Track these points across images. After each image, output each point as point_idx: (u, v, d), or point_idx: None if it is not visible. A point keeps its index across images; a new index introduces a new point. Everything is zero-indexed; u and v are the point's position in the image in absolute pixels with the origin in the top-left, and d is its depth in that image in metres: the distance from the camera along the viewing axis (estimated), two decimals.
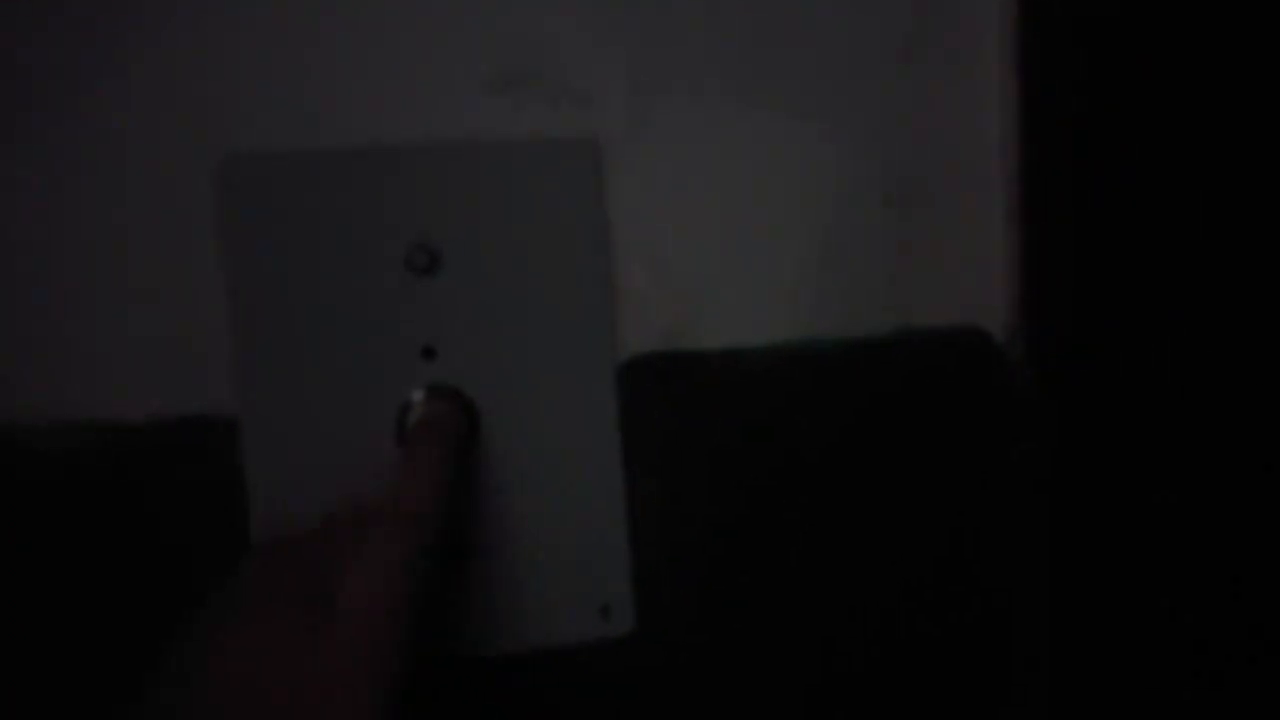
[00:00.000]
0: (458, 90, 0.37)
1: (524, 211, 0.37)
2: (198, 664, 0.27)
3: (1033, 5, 0.39)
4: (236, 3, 0.35)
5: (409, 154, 0.36)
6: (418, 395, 0.36)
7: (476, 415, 0.37)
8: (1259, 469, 0.41)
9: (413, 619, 0.29)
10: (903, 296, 0.40)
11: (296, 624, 0.28)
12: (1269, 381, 0.41)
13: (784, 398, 0.40)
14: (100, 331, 0.35)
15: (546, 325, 0.37)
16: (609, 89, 0.38)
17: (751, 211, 0.39)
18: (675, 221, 0.39)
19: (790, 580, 0.40)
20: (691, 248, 0.39)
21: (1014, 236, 0.40)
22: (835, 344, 0.40)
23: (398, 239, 0.36)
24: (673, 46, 0.38)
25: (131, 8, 0.35)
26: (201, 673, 0.27)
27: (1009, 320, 0.41)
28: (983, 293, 0.41)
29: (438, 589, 0.35)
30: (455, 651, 0.38)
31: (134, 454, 0.35)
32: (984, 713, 0.42)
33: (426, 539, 0.31)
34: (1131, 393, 0.41)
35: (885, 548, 0.41)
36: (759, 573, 0.40)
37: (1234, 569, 0.42)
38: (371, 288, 0.36)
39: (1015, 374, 0.41)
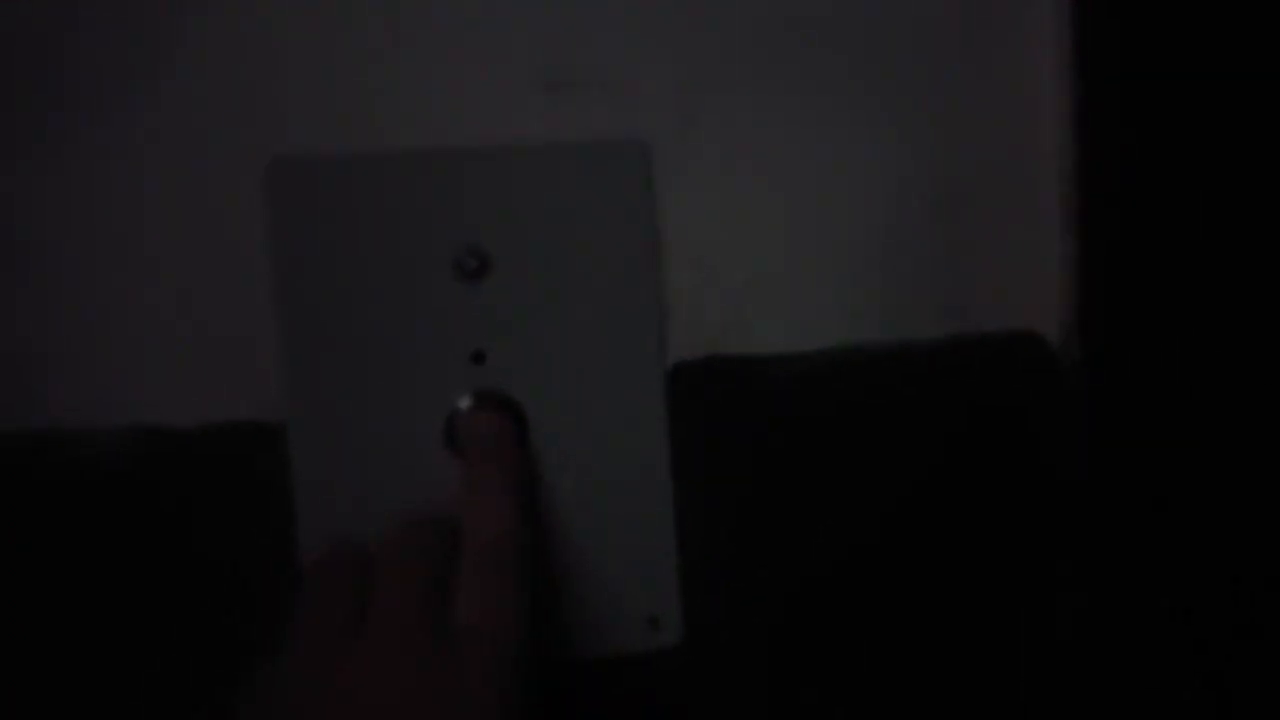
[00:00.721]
0: (507, 93, 0.36)
1: (574, 215, 0.36)
2: (306, 686, 0.27)
3: (1088, 5, 0.38)
4: (284, 6, 0.35)
5: (458, 157, 0.36)
6: (466, 401, 0.36)
7: (525, 421, 0.36)
8: None
9: (528, 643, 0.29)
10: (956, 300, 0.40)
11: (408, 648, 0.28)
12: None
13: (835, 403, 0.39)
14: (149, 336, 0.35)
15: (595, 330, 0.37)
16: (658, 90, 0.37)
17: (802, 214, 0.39)
18: (725, 224, 0.38)
19: (840, 590, 0.40)
20: (741, 250, 0.38)
21: (1069, 241, 0.39)
22: (887, 348, 0.39)
23: (447, 243, 0.36)
24: (723, 47, 0.37)
25: (180, 10, 0.34)
26: (312, 695, 0.26)
27: (1064, 325, 0.40)
28: (1037, 297, 0.40)
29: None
30: None
31: (183, 459, 0.35)
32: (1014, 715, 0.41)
33: (529, 566, 0.31)
34: (1187, 399, 0.40)
35: (937, 554, 0.40)
36: (809, 582, 0.39)
37: None
38: (420, 292, 0.36)
39: (1070, 379, 0.40)
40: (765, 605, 0.39)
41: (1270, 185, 0.40)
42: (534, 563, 0.35)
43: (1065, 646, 0.41)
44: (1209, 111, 0.39)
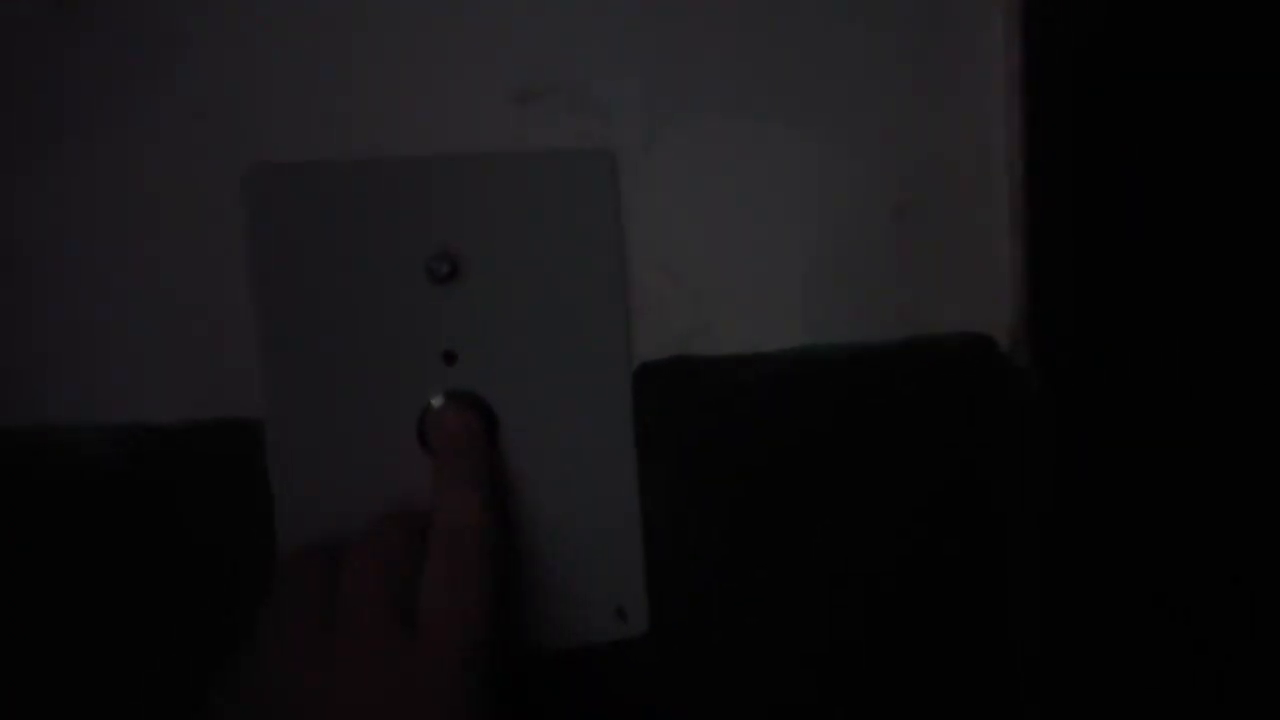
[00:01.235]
0: (479, 103, 0.37)
1: (542, 221, 0.38)
2: (270, 681, 0.27)
3: (1035, 21, 0.40)
4: (261, 16, 0.36)
5: (430, 165, 0.37)
6: (438, 399, 0.37)
7: (495, 420, 0.38)
8: (1264, 474, 0.42)
9: (495, 640, 0.30)
10: (910, 304, 0.41)
11: (372, 644, 0.28)
12: (1274, 386, 0.42)
13: (795, 402, 0.41)
14: (130, 335, 0.36)
15: (563, 331, 0.38)
16: (626, 102, 0.39)
17: (764, 221, 0.40)
18: (689, 231, 0.40)
19: (801, 583, 0.41)
20: (705, 256, 0.40)
21: (1018, 246, 0.41)
22: (844, 350, 0.41)
23: (419, 247, 0.37)
24: (688, 61, 0.39)
25: (160, 20, 0.35)
26: (280, 692, 0.27)
27: (1013, 327, 0.42)
28: (988, 301, 0.42)
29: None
30: None
31: (163, 456, 0.36)
32: (989, 712, 0.43)
33: (497, 563, 0.32)
34: (1135, 398, 0.42)
35: (893, 550, 0.42)
36: (771, 575, 0.41)
37: (1237, 573, 0.43)
38: (393, 295, 0.37)
39: (1019, 380, 0.42)
40: (728, 597, 0.41)
41: (1216, 188, 0.42)
42: (503, 557, 0.36)
43: (1018, 646, 0.43)
44: (1156, 119, 0.41)
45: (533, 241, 0.38)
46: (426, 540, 0.32)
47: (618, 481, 0.39)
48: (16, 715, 0.35)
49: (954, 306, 0.42)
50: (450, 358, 0.37)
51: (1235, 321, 0.42)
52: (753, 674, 0.41)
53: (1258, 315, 0.42)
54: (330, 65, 0.36)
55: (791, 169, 0.40)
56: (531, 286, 0.38)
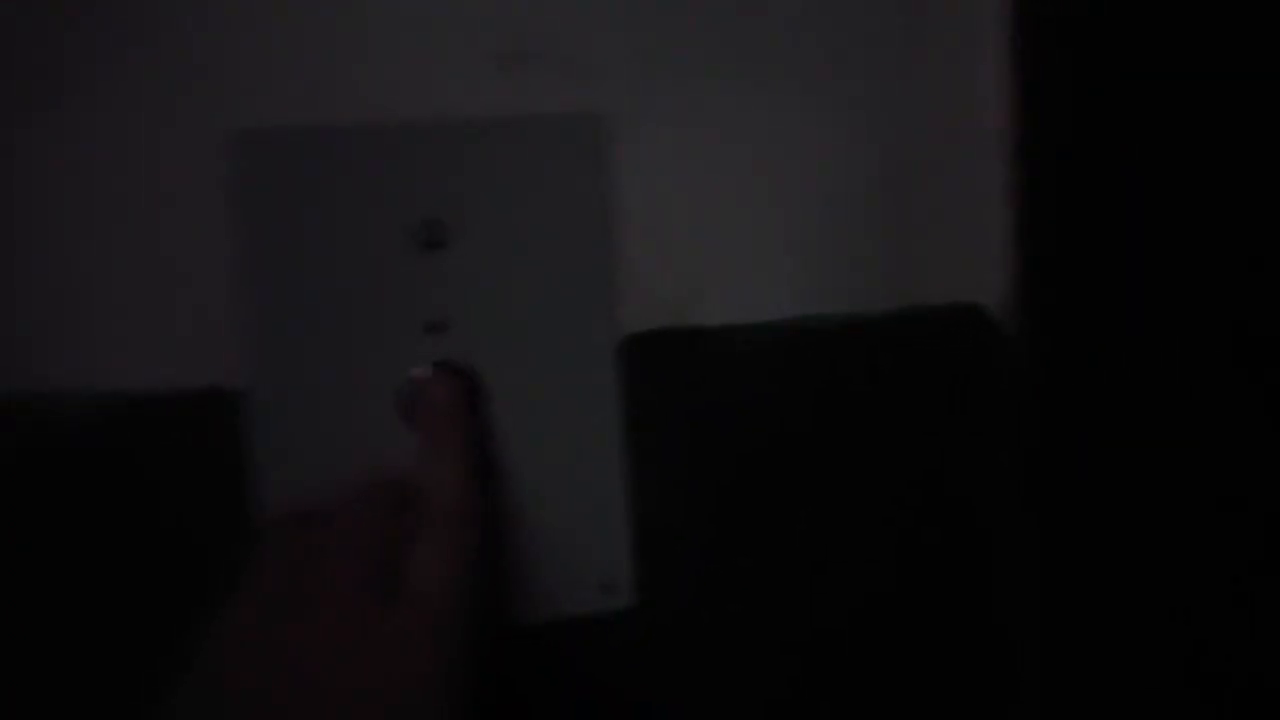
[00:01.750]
0: (465, 67, 0.37)
1: (529, 187, 0.37)
2: (250, 650, 0.27)
3: None
4: None
5: (416, 130, 0.37)
6: (424, 369, 0.37)
7: (481, 389, 0.37)
8: (1253, 445, 0.42)
9: (476, 609, 0.30)
10: (901, 274, 0.41)
11: (353, 610, 0.28)
12: (1265, 359, 0.42)
13: (784, 374, 0.40)
14: (112, 303, 0.36)
15: (550, 300, 0.38)
16: (613, 67, 0.38)
17: (752, 190, 0.40)
18: (677, 199, 0.39)
19: (788, 554, 0.41)
20: (693, 225, 0.39)
21: (1009, 215, 0.41)
22: (834, 321, 0.41)
23: (405, 214, 0.36)
24: (677, 25, 0.38)
25: None
26: (258, 657, 0.27)
27: (1004, 297, 0.41)
28: (979, 270, 0.41)
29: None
30: None
31: (144, 424, 0.35)
32: (980, 690, 0.43)
33: (479, 533, 0.32)
34: (1126, 368, 0.41)
35: (882, 521, 0.42)
36: (757, 547, 0.41)
37: (1225, 546, 0.43)
38: (379, 262, 0.36)
39: (1010, 349, 0.41)
40: (715, 569, 0.40)
41: (1211, 156, 0.41)
42: (487, 528, 0.36)
43: (1004, 617, 0.43)
44: (1151, 85, 0.40)
45: (520, 208, 0.37)
46: (409, 509, 0.32)
47: (603, 452, 0.39)
48: None
49: (944, 276, 0.41)
50: (437, 327, 0.37)
51: (1229, 293, 0.42)
52: (739, 647, 0.41)
53: (1251, 286, 0.42)
54: (316, 30, 0.36)
55: (781, 138, 0.40)
56: (518, 254, 0.37)
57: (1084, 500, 0.42)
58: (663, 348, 0.39)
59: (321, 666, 0.27)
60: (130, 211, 0.35)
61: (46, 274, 0.35)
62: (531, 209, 0.37)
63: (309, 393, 0.36)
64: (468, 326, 0.37)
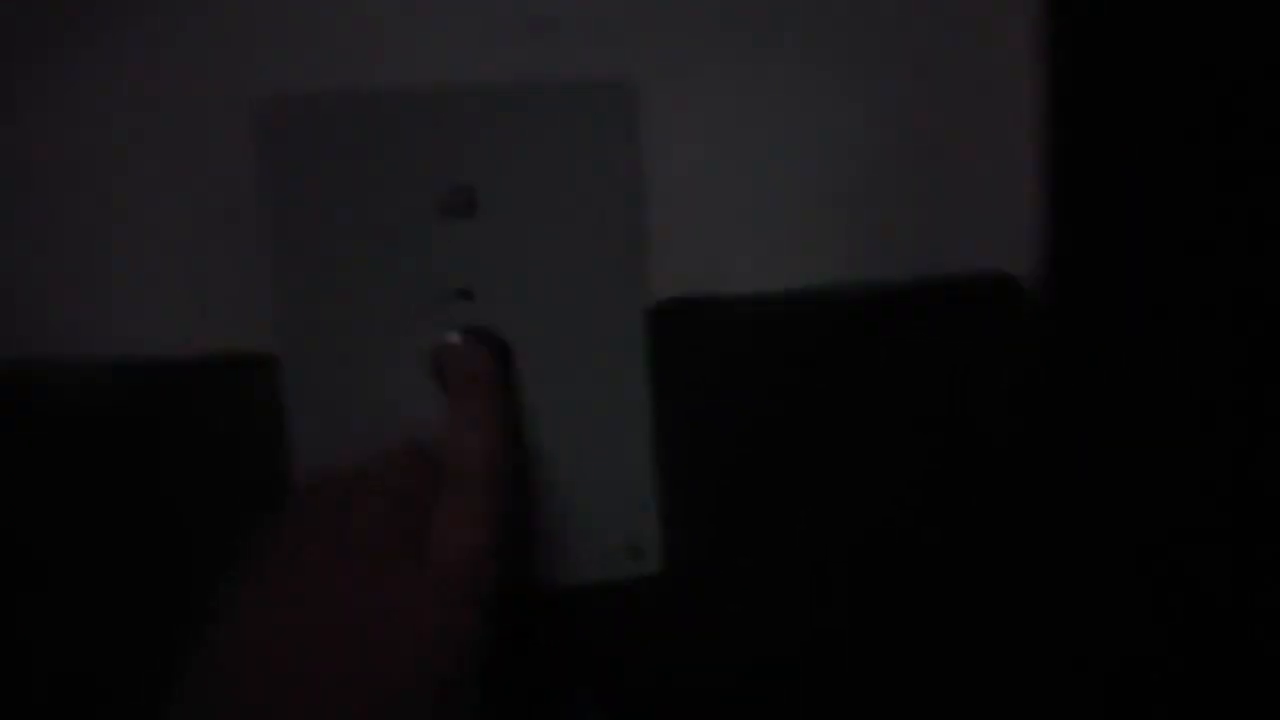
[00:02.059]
0: (492, 32, 0.37)
1: (558, 154, 0.37)
2: (278, 610, 0.28)
3: None
4: None
5: (445, 97, 0.37)
6: (454, 335, 0.37)
7: (510, 356, 0.38)
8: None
9: (502, 572, 0.30)
10: (930, 242, 0.41)
11: (382, 570, 0.29)
12: None
13: (810, 342, 0.40)
14: (147, 269, 0.36)
15: (579, 267, 0.38)
16: (639, 33, 0.38)
17: (779, 157, 0.39)
18: (705, 166, 0.39)
19: (815, 523, 0.41)
20: (719, 193, 0.39)
21: (1040, 183, 0.40)
22: (861, 289, 0.40)
23: (434, 181, 0.36)
24: None
25: None
26: (285, 616, 0.28)
27: (1035, 266, 0.41)
28: (1010, 238, 0.41)
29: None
30: None
31: (178, 390, 0.36)
32: (995, 653, 0.43)
33: (506, 499, 0.32)
34: (1158, 339, 0.41)
35: (909, 490, 0.42)
36: (783, 513, 0.41)
37: (1249, 523, 0.43)
38: (408, 229, 0.36)
39: (1040, 320, 0.41)
40: (741, 535, 0.41)
41: (1244, 129, 0.41)
42: (515, 493, 0.36)
43: (1033, 587, 0.43)
44: (1183, 55, 0.40)
45: (549, 175, 0.37)
46: (438, 474, 0.32)
47: (631, 419, 0.39)
48: (18, 652, 0.36)
49: (974, 244, 0.41)
50: (466, 294, 0.37)
51: (1269, 265, 0.41)
52: (764, 612, 0.41)
53: None
54: None
55: (807, 102, 0.39)
56: (548, 221, 0.37)
57: (1112, 475, 0.42)
58: (689, 315, 0.39)
59: (348, 629, 0.27)
60: (160, 177, 0.36)
61: (76, 240, 0.35)
62: (559, 176, 0.37)
63: (340, 358, 0.36)
64: (496, 293, 0.37)
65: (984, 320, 0.41)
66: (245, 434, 0.36)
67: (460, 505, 0.31)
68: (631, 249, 0.38)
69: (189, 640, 0.27)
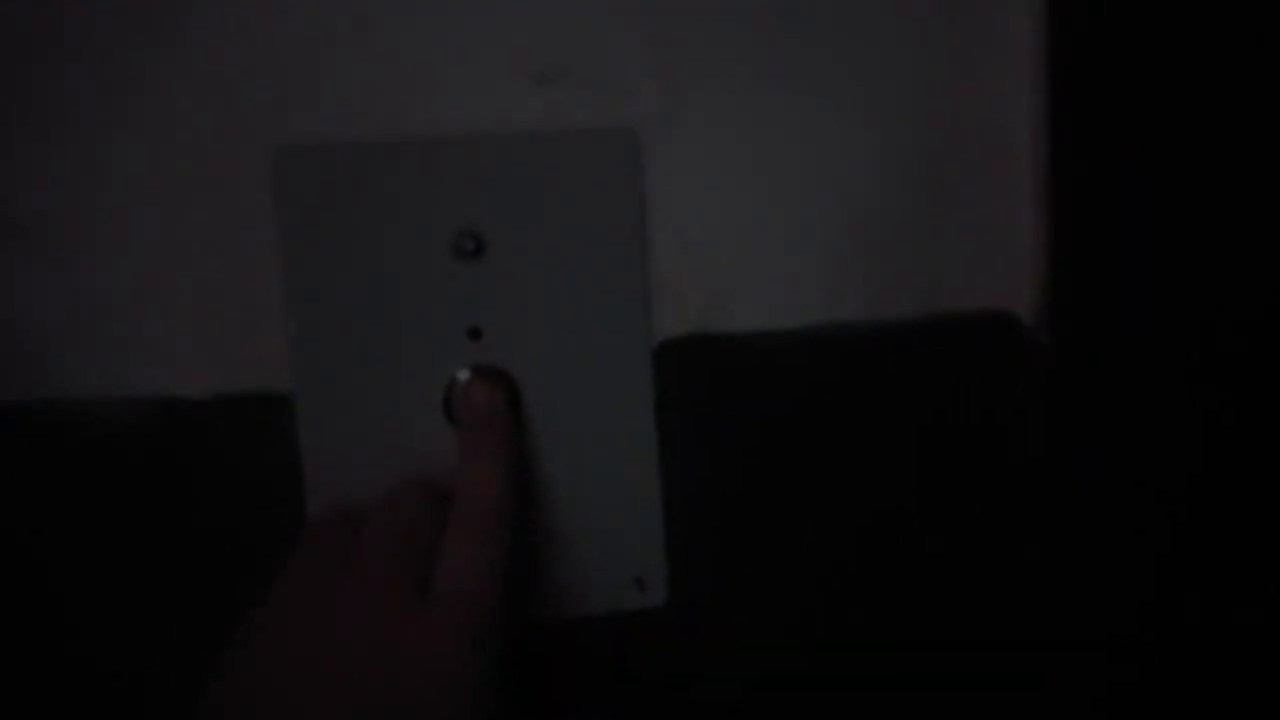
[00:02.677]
0: (500, 84, 0.38)
1: (564, 198, 0.38)
2: (283, 642, 0.28)
3: None
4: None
5: (455, 145, 0.38)
6: (464, 374, 0.38)
7: (519, 394, 0.39)
8: None
9: (506, 608, 0.31)
10: (932, 280, 0.41)
11: (387, 604, 0.29)
12: None
13: (814, 379, 0.41)
14: (159, 307, 0.37)
15: (585, 307, 0.39)
16: (645, 80, 0.39)
17: (783, 196, 0.40)
18: (709, 207, 0.40)
19: (816, 555, 0.42)
20: (724, 232, 0.40)
21: (1043, 221, 0.41)
22: (865, 326, 0.41)
23: (445, 226, 0.38)
24: (706, 35, 0.39)
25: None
26: (290, 649, 0.28)
27: (1037, 304, 0.42)
28: (1012, 277, 0.41)
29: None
30: None
31: (194, 428, 0.37)
32: (1004, 687, 0.43)
33: (512, 535, 0.33)
34: (1157, 378, 0.41)
35: (909, 526, 0.42)
36: (785, 548, 0.42)
37: (1250, 559, 0.43)
38: (420, 272, 0.38)
39: (1042, 357, 0.42)
40: (747, 570, 0.41)
41: (1244, 168, 0.41)
42: (522, 527, 0.37)
43: (1031, 623, 0.43)
44: (1183, 93, 0.40)
45: (555, 219, 0.38)
46: (445, 509, 0.33)
47: (638, 455, 0.40)
48: (32, 685, 0.37)
49: (976, 282, 0.42)
50: (475, 333, 0.38)
51: (1265, 301, 0.41)
52: (770, 646, 0.42)
53: None
54: (354, 48, 0.37)
55: (811, 142, 0.40)
56: (554, 263, 0.39)
57: (1114, 512, 0.42)
58: (694, 353, 0.40)
59: (352, 663, 0.28)
60: (176, 218, 0.37)
61: (99, 281, 0.37)
62: (566, 219, 0.39)
63: (355, 397, 0.38)
64: (506, 332, 0.38)
65: (985, 358, 0.42)
66: (260, 473, 0.37)
67: (467, 541, 0.32)
68: (636, 288, 0.39)
69: (201, 675, 0.28)
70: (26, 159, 0.36)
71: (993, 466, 0.42)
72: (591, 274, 0.39)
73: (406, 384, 0.38)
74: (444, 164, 0.38)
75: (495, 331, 0.38)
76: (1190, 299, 0.41)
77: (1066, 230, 0.41)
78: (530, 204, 0.38)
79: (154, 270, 0.37)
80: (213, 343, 0.37)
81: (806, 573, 0.42)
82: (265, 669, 0.28)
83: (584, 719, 0.41)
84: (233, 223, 0.37)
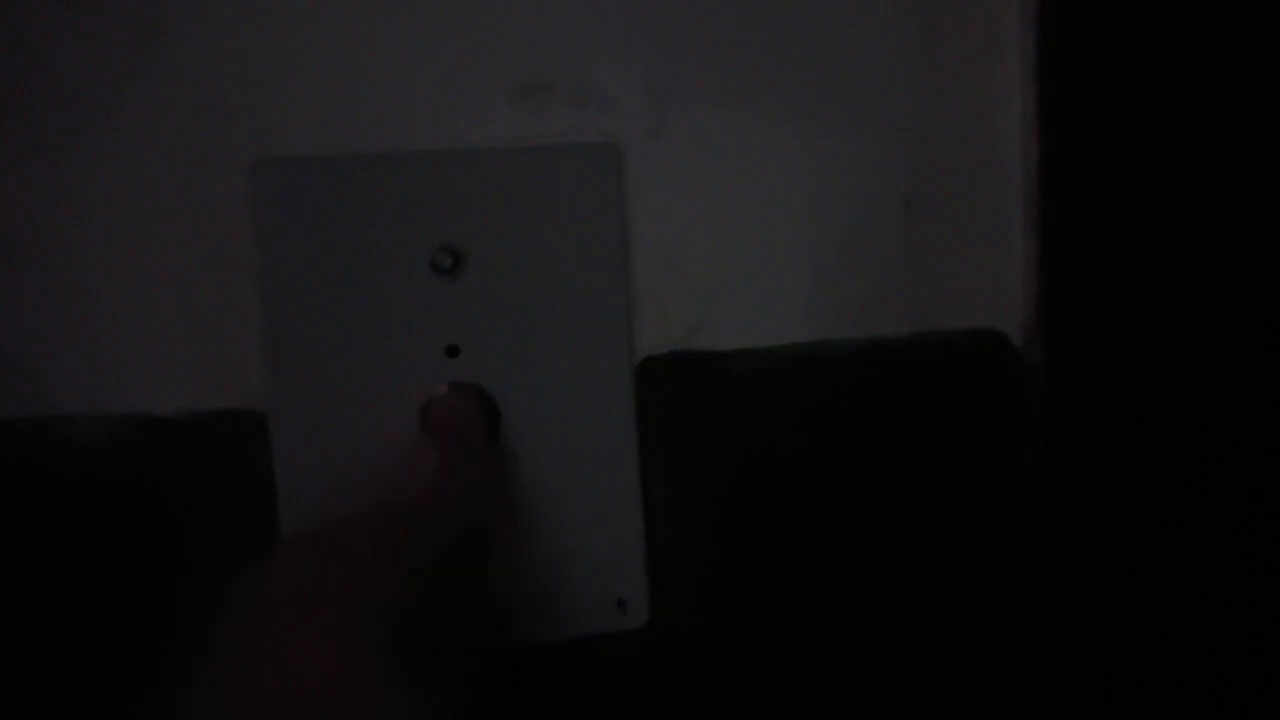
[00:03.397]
0: (481, 98, 0.38)
1: (546, 214, 0.38)
2: (240, 668, 0.28)
3: (1052, 10, 0.39)
4: (265, 10, 0.36)
5: (435, 159, 0.37)
6: (441, 391, 0.37)
7: (497, 412, 0.38)
8: (1273, 480, 0.41)
9: (429, 617, 0.30)
10: (920, 299, 0.41)
11: (347, 629, 0.28)
12: None
13: (799, 398, 0.40)
14: (135, 325, 0.37)
15: (566, 325, 0.38)
16: (629, 95, 0.38)
17: (769, 214, 0.40)
18: (694, 223, 0.39)
19: (800, 578, 0.41)
20: (709, 249, 0.40)
21: (1032, 240, 0.40)
22: (851, 345, 0.41)
23: (423, 241, 0.37)
24: (691, 52, 0.39)
25: (160, 13, 0.36)
26: (246, 660, 0.28)
27: (1026, 324, 0.41)
28: (1000, 296, 0.41)
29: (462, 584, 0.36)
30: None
31: (167, 446, 0.37)
32: (989, 709, 0.43)
33: (449, 534, 0.32)
34: (1147, 398, 0.41)
35: (895, 547, 0.42)
36: (769, 569, 0.41)
37: (1240, 578, 0.42)
38: (397, 288, 0.37)
39: (1031, 377, 0.41)
40: (728, 590, 0.41)
41: (1236, 182, 0.40)
42: (501, 548, 0.37)
43: (1022, 646, 0.42)
44: (1170, 114, 0.40)
45: (536, 235, 0.38)
46: (421, 526, 0.33)
47: (619, 474, 0.39)
48: (14, 706, 0.36)
49: (964, 301, 0.41)
50: (453, 351, 0.38)
51: (1252, 320, 0.41)
52: (750, 666, 0.41)
53: (1273, 312, 0.41)
54: (334, 61, 0.37)
55: (798, 161, 0.40)
56: (534, 280, 0.38)
57: (1103, 533, 0.41)
58: (677, 371, 0.40)
59: (286, 694, 0.27)
60: (153, 237, 0.36)
61: (75, 298, 0.36)
62: (547, 236, 0.38)
63: (329, 414, 0.37)
64: (485, 350, 0.38)
65: (974, 377, 0.41)
66: (233, 491, 0.37)
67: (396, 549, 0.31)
68: (618, 305, 0.39)
69: (172, 690, 0.28)
70: (4, 178, 0.36)
71: (982, 487, 0.42)
72: (573, 291, 0.38)
73: (383, 402, 0.37)
74: (423, 178, 0.37)
75: (474, 349, 0.38)
76: (1185, 316, 0.41)
77: (1056, 248, 0.40)
78: (511, 219, 0.38)
79: (132, 286, 0.37)
80: (190, 360, 0.37)
81: (790, 594, 0.41)
82: (224, 696, 0.27)
83: None
84: (211, 240, 0.37)
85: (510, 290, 0.38)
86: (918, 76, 0.40)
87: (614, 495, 0.40)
